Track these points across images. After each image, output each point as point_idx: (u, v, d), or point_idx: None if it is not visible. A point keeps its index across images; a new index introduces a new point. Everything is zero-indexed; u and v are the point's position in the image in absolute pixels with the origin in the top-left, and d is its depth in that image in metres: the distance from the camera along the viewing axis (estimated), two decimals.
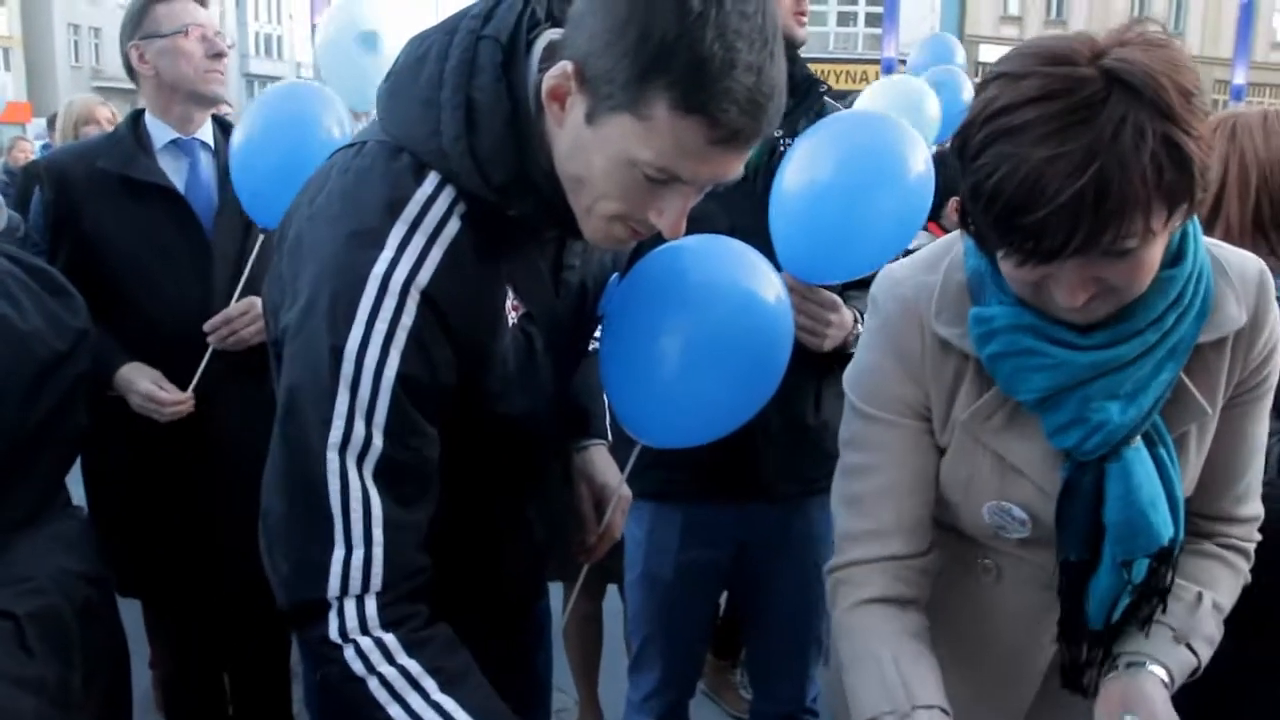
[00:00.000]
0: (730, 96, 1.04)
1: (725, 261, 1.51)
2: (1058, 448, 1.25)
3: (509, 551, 1.43)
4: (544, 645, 1.73)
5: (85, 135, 4.21)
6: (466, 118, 1.14)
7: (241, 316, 2.25)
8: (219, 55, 2.38)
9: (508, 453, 1.34)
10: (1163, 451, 1.26)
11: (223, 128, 2.47)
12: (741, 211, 1.95)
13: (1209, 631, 1.34)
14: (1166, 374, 1.22)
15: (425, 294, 1.14)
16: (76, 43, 44.19)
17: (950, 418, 1.32)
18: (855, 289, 1.97)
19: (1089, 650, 1.36)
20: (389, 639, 1.17)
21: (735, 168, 1.13)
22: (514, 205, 1.20)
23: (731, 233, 1.82)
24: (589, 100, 1.09)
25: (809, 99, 2.08)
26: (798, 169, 1.80)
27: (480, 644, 1.25)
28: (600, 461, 1.63)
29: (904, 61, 7.32)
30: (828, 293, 1.89)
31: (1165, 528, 1.25)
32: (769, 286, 1.51)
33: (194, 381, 2.24)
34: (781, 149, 2.01)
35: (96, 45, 44.74)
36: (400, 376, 1.13)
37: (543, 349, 1.32)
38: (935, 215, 3.34)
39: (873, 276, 1.92)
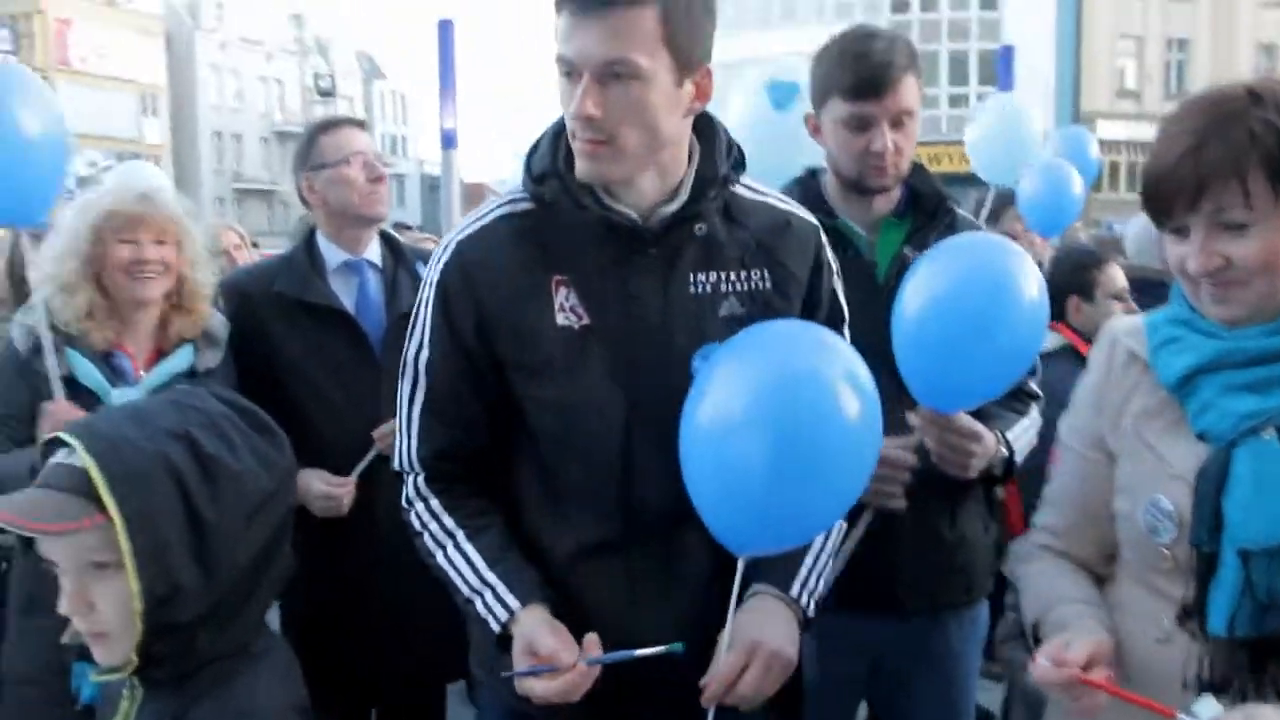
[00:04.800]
0: None
1: (807, 351, 1.46)
2: (1194, 430, 1.40)
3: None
4: None
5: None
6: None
7: None
8: (379, 179, 2.56)
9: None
10: None
11: (390, 245, 2.65)
12: (871, 327, 1.87)
13: None
14: None
15: (459, 245, 1.59)
16: (219, 149, 47.14)
17: (1121, 425, 1.51)
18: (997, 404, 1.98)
19: (1218, 664, 1.36)
20: (434, 503, 1.62)
21: (578, 40, 1.42)
22: (546, 191, 1.53)
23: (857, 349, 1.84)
24: None
25: (939, 216, 2.11)
26: (915, 305, 1.81)
27: None
28: (757, 613, 1.54)
29: None
30: (969, 421, 1.89)
31: None
32: (852, 383, 1.43)
33: (356, 471, 2.39)
34: (911, 264, 1.99)
35: (238, 150, 47.67)
36: (435, 301, 1.60)
37: (607, 364, 1.54)
38: (1060, 315, 3.32)
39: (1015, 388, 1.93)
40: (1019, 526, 3.45)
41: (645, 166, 1.53)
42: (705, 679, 1.48)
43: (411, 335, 1.64)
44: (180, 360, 2.45)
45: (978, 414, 1.92)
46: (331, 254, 2.56)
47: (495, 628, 1.50)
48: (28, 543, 2.25)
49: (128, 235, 2.36)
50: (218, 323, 2.52)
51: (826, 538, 1.67)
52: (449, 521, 1.60)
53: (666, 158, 1.54)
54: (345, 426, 2.42)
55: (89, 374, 2.33)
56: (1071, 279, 3.35)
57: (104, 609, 1.16)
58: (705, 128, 1.61)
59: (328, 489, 2.37)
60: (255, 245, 5.02)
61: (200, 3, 47.04)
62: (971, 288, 1.78)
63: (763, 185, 1.72)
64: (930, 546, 2.05)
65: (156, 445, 1.16)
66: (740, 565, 1.47)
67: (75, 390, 2.30)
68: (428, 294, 1.62)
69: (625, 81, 1.42)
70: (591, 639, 1.45)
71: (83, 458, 1.11)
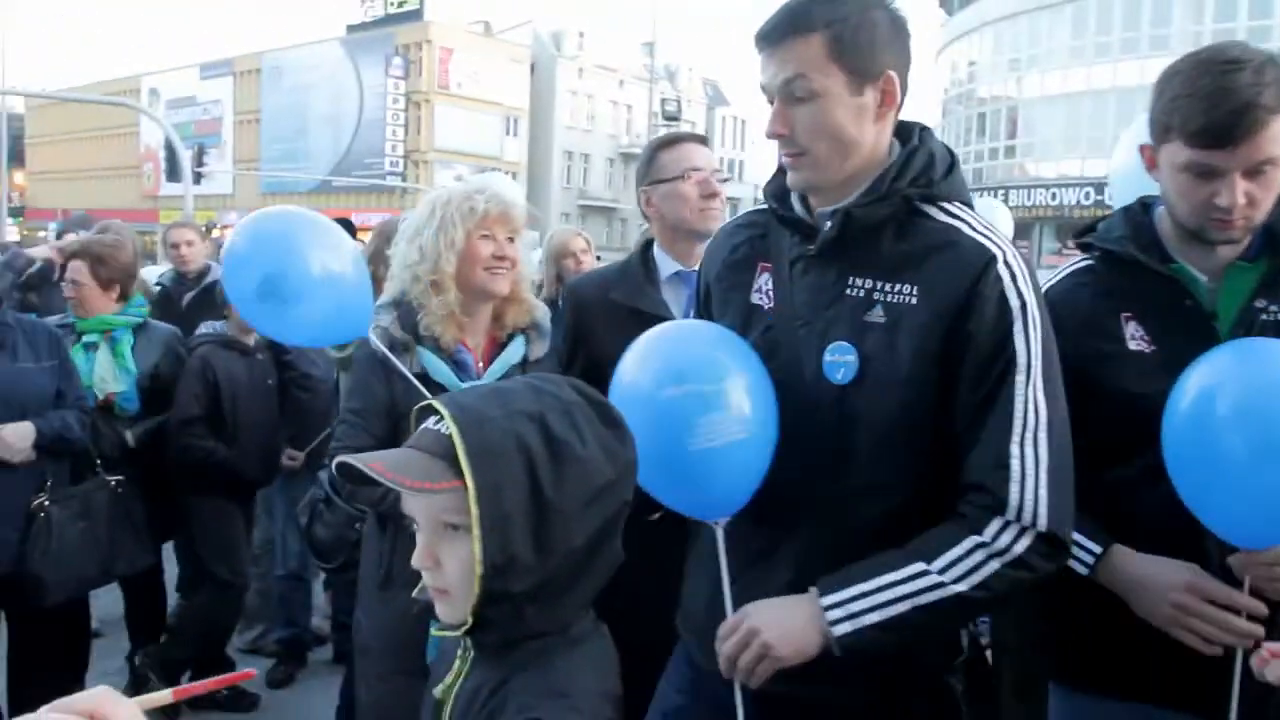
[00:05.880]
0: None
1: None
2: None
3: None
4: None
5: (564, 268, 4.69)
6: None
7: None
8: (713, 195, 2.64)
9: None
10: None
11: None
12: None
13: None
14: None
15: (709, 243, 2.01)
16: (569, 167, 50.52)
17: None
18: None
19: None
20: None
21: (767, 71, 1.64)
22: (766, 199, 1.81)
23: None
24: None
25: None
26: (1197, 441, 1.64)
27: None
28: (775, 600, 1.61)
29: None
30: None
31: None
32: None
33: None
34: (1264, 318, 1.77)
35: (585, 169, 50.88)
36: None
37: (762, 342, 1.72)
38: None
39: None
40: None
41: (843, 171, 1.66)
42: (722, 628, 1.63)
43: None
44: (515, 351, 2.63)
45: None
46: (665, 264, 2.68)
47: None
48: (382, 522, 2.52)
49: (487, 231, 2.54)
50: (542, 312, 2.69)
51: (912, 578, 1.54)
52: None
53: (860, 163, 1.66)
54: None
55: (440, 371, 2.51)
56: None
57: (449, 568, 1.24)
58: (910, 142, 1.71)
59: None
60: (599, 259, 5.34)
61: (564, 33, 50.74)
62: (1244, 416, 1.58)
63: (969, 212, 1.67)
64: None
65: (513, 424, 1.21)
66: (719, 536, 1.68)
67: (428, 386, 2.46)
68: None
69: (805, 100, 1.61)
70: None
71: (449, 427, 1.21)
